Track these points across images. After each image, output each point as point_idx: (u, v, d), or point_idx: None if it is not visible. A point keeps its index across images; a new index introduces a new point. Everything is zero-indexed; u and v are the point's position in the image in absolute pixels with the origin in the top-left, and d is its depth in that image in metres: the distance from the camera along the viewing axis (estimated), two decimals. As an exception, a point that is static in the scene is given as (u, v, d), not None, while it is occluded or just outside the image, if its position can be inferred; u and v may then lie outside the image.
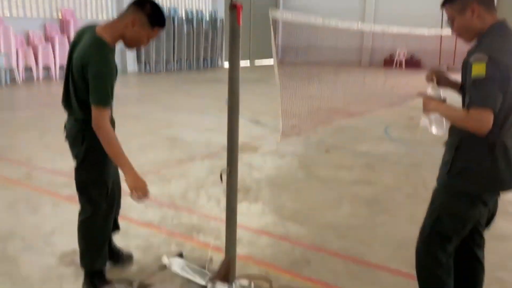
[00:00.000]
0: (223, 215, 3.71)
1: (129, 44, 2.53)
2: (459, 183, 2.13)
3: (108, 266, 2.88)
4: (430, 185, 4.63)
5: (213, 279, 2.58)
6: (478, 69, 1.93)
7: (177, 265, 2.66)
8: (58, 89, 12.79)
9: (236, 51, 2.39)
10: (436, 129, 2.28)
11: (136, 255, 3.19)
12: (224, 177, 2.51)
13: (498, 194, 2.24)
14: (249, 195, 4.48)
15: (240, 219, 3.18)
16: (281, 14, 8.18)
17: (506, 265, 3.19)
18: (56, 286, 2.77)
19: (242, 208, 4.07)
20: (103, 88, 2.37)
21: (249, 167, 5.39)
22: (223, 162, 5.61)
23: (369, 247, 3.43)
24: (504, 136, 2.06)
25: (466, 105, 2.01)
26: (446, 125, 2.25)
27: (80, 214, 2.73)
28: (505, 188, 2.13)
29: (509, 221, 3.97)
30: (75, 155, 2.60)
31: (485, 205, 2.17)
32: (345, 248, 3.40)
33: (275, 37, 7.10)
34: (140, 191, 2.45)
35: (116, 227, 3.08)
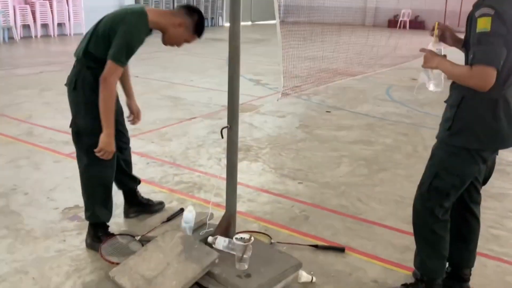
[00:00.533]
0: (223, 173, 3.73)
1: (167, 40, 2.69)
2: (460, 140, 2.11)
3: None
4: (430, 144, 4.66)
5: (213, 234, 2.62)
6: (484, 24, 1.88)
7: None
8: (56, 46, 12.69)
9: (237, 10, 2.34)
10: (434, 86, 2.26)
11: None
12: (225, 134, 2.51)
13: (497, 151, 2.24)
14: (249, 154, 4.50)
15: (241, 177, 3.21)
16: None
17: (502, 223, 3.25)
18: (59, 239, 2.82)
19: (243, 166, 4.10)
20: (125, 48, 2.45)
21: (250, 126, 5.39)
22: (223, 121, 5.60)
23: (367, 205, 3.47)
24: (506, 93, 2.04)
25: (470, 61, 1.97)
26: (444, 82, 2.23)
27: (79, 165, 2.76)
28: (506, 145, 2.13)
29: (506, 180, 4.00)
30: (72, 101, 2.65)
31: (484, 162, 2.17)
32: (343, 205, 3.45)
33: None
34: (106, 154, 2.54)
35: (134, 180, 3.18)
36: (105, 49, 2.48)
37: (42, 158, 4.17)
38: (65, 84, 2.69)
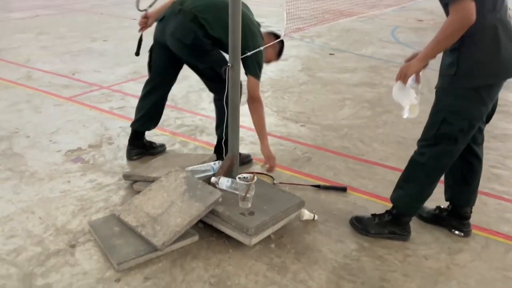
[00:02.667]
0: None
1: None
2: (468, 81, 2.03)
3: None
4: (434, 86, 4.58)
5: (217, 175, 2.64)
6: None
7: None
8: (51, -11, 12.08)
9: None
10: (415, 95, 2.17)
11: (141, 152, 3.25)
12: (227, 74, 2.46)
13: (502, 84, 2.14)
14: (251, 96, 4.45)
15: (243, 120, 3.18)
16: None
17: (503, 163, 3.26)
18: (63, 181, 2.85)
19: (245, 110, 4.06)
20: (259, 66, 2.72)
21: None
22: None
23: (369, 146, 3.47)
24: (501, 16, 1.96)
25: (445, 4, 1.90)
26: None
27: (220, 98, 2.84)
28: (509, 75, 2.05)
29: (510, 122, 3.98)
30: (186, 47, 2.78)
31: (492, 100, 2.12)
32: (345, 147, 3.45)
33: None
34: (272, 163, 2.81)
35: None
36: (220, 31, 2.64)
37: (43, 102, 4.14)
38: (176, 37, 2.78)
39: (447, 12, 1.96)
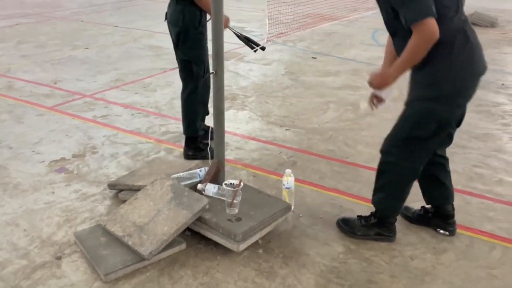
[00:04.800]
0: (210, 123, 3.73)
1: None
2: (449, 85, 2.03)
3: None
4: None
5: (203, 182, 2.64)
6: None
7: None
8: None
9: None
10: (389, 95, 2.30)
11: (126, 161, 3.23)
12: (211, 81, 2.47)
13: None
14: (235, 102, 4.46)
15: (228, 125, 3.20)
16: None
17: (485, 162, 3.31)
18: (47, 192, 2.82)
19: (229, 115, 4.08)
20: None
21: (235, 75, 5.31)
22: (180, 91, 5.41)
23: (354, 148, 3.51)
24: (465, 18, 2.01)
25: (405, 26, 1.92)
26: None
27: (183, 91, 3.23)
28: (483, 71, 2.08)
29: (491, 121, 4.06)
30: (177, 35, 3.03)
31: (465, 104, 2.14)
32: (330, 150, 3.47)
33: None
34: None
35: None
36: None
37: (24, 112, 4.08)
38: (168, 21, 3.10)
39: (409, 30, 1.95)
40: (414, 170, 2.27)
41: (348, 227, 2.47)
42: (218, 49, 2.45)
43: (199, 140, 3.32)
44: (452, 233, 2.49)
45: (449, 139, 2.34)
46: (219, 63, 2.45)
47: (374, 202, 2.43)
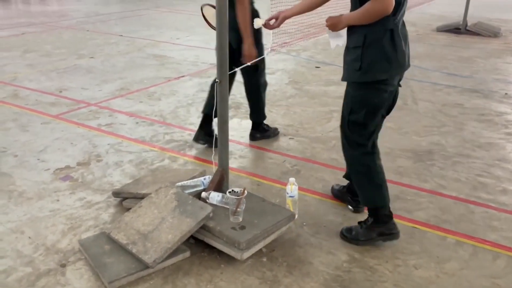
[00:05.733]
0: (214, 131, 3.72)
1: None
2: (369, 75, 2.25)
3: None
4: (419, 97, 4.67)
5: (207, 190, 2.65)
6: None
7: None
8: (36, 7, 12.24)
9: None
10: (341, 41, 2.43)
11: (130, 170, 3.24)
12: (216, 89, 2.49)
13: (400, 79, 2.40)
14: (239, 111, 4.48)
15: (232, 134, 3.22)
16: None
17: (489, 171, 3.31)
18: (52, 200, 2.83)
19: (233, 124, 4.10)
20: None
21: (240, 84, 5.33)
22: (212, 79, 5.54)
23: (358, 157, 3.51)
24: (397, 22, 2.21)
25: None
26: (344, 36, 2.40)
27: (250, 84, 3.70)
28: (404, 68, 2.32)
29: (494, 130, 4.06)
30: (238, 39, 3.24)
31: (391, 91, 2.34)
32: (334, 159, 3.48)
33: None
34: (250, 58, 3.20)
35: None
36: None
37: (30, 120, 4.11)
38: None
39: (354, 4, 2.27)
40: (367, 154, 2.44)
41: (351, 235, 2.48)
42: (222, 59, 2.47)
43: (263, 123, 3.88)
44: (357, 210, 2.73)
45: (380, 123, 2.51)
46: (223, 73, 2.48)
47: (361, 201, 2.58)
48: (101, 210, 2.72)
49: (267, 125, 3.90)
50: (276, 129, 3.96)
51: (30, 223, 2.58)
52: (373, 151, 2.45)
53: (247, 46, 3.23)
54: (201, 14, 3.32)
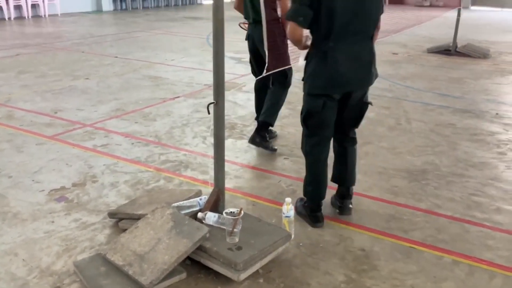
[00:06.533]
0: (209, 151, 3.74)
1: None
2: (307, 85, 2.66)
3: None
4: (412, 117, 4.74)
5: (203, 210, 2.65)
6: None
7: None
8: (31, 28, 12.32)
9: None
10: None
11: (126, 190, 3.24)
12: (211, 109, 2.51)
13: (348, 95, 2.68)
14: (234, 131, 4.51)
15: (227, 154, 3.20)
16: None
17: (483, 190, 3.34)
18: (47, 221, 2.81)
19: (228, 144, 4.11)
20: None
21: (234, 104, 5.38)
22: (207, 100, 5.56)
23: (353, 177, 3.52)
24: (335, 46, 2.51)
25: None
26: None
27: (275, 87, 3.99)
28: (340, 89, 2.63)
29: (487, 150, 4.10)
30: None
31: (330, 104, 2.63)
32: (329, 178, 3.48)
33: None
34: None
35: None
36: None
37: (25, 141, 4.10)
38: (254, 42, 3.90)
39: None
40: (306, 151, 2.84)
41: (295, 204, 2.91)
42: (219, 80, 2.50)
43: (269, 131, 4.10)
44: (341, 211, 2.95)
45: (341, 128, 2.85)
46: (220, 94, 2.50)
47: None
48: (96, 231, 2.71)
49: (269, 135, 4.10)
50: (275, 148, 4.01)
51: (24, 245, 2.55)
52: (311, 152, 2.79)
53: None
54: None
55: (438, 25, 11.51)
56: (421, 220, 2.94)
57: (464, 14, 9.68)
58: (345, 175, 2.95)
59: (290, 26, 2.51)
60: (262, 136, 3.96)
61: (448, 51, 8.60)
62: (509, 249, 2.64)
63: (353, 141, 2.95)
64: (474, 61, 8.16)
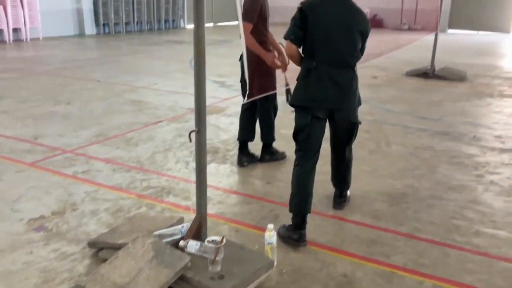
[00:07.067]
0: (191, 177, 3.73)
1: None
2: (293, 99, 3.01)
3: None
4: (393, 140, 4.80)
5: (185, 238, 2.63)
6: (295, 13, 2.90)
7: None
8: (12, 52, 12.21)
9: (201, 13, 2.36)
10: None
11: (107, 218, 3.20)
12: (193, 137, 2.52)
13: (332, 114, 3.00)
14: (217, 156, 4.51)
15: (209, 179, 3.21)
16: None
17: (462, 213, 3.40)
18: (26, 251, 2.76)
19: (211, 168, 4.11)
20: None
21: (216, 128, 5.40)
22: (190, 124, 5.60)
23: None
24: (319, 65, 2.87)
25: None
26: None
27: (263, 110, 4.20)
28: (318, 103, 2.91)
29: (465, 173, 4.18)
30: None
31: (315, 117, 2.91)
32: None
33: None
34: (274, 64, 3.88)
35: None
36: None
37: (4, 169, 4.04)
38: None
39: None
40: (295, 162, 3.04)
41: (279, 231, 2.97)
42: (201, 107, 2.52)
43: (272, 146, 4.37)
44: (336, 206, 3.38)
45: (334, 143, 3.25)
46: (202, 121, 2.52)
47: None
48: (76, 261, 2.66)
49: (275, 149, 4.36)
50: (283, 153, 4.36)
51: (2, 277, 2.50)
52: (298, 163, 3.01)
53: (269, 60, 3.83)
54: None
55: (416, 48, 11.79)
56: (402, 244, 2.96)
57: (441, 37, 9.95)
58: (337, 180, 3.41)
59: (286, 43, 2.94)
60: (270, 152, 4.33)
61: (427, 74, 8.79)
62: (488, 272, 2.67)
63: (348, 152, 3.30)
64: (452, 83, 8.36)
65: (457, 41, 15.52)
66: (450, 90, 7.81)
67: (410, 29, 18.20)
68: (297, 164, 3.01)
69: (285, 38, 2.92)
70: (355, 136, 3.21)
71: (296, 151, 3.04)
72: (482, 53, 12.84)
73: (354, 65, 2.98)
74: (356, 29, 2.88)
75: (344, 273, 2.63)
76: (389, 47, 12.74)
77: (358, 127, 3.15)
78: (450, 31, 19.10)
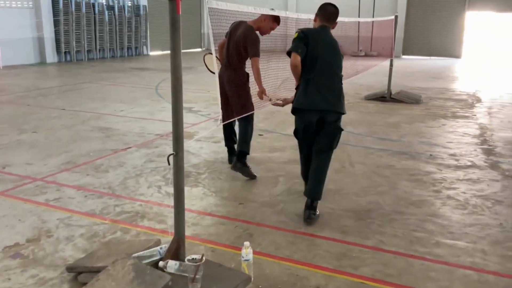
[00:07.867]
0: (165, 200, 3.85)
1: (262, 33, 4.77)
2: (294, 103, 3.78)
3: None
4: (356, 160, 5.05)
5: (164, 258, 2.71)
6: (295, 35, 3.66)
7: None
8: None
9: (177, 40, 2.52)
10: None
11: (82, 243, 3.23)
12: (171, 160, 2.64)
13: (322, 118, 3.66)
14: (189, 179, 4.61)
15: (185, 202, 3.32)
16: (216, 3, 8.20)
17: (422, 226, 3.63)
18: (3, 279, 2.76)
19: (186, 193, 4.19)
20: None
21: (187, 153, 5.49)
22: (160, 150, 5.71)
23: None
24: (315, 77, 3.63)
25: (287, 52, 3.73)
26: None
27: (245, 124, 4.69)
28: (314, 106, 3.64)
29: (424, 188, 4.46)
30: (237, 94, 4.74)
31: (307, 121, 3.71)
32: (283, 221, 3.67)
33: (212, 26, 7.19)
34: (262, 97, 4.64)
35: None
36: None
37: (-28, 198, 3.99)
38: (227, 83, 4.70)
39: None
40: (299, 153, 4.01)
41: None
42: (178, 131, 2.65)
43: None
44: (305, 221, 3.63)
45: (316, 146, 3.81)
46: (179, 145, 2.65)
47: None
48: (55, 286, 2.69)
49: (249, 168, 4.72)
50: (255, 175, 4.65)
51: (-21, 305, 2.49)
52: (300, 151, 3.95)
53: (262, 91, 4.69)
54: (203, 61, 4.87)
55: (374, 73, 12.36)
56: (369, 256, 3.15)
57: (396, 62, 10.51)
58: (310, 188, 3.76)
59: (292, 55, 3.59)
60: (243, 163, 4.60)
61: (384, 97, 9.25)
62: (449, 279, 2.89)
63: (327, 155, 3.79)
64: (408, 106, 8.83)
65: (411, 66, 16.34)
66: (407, 113, 8.25)
67: (366, 55, 18.99)
68: (300, 152, 3.98)
69: (292, 51, 3.59)
70: (337, 142, 3.80)
71: (298, 144, 3.95)
72: (435, 77, 13.60)
73: (342, 77, 3.78)
74: (338, 52, 3.79)
75: (317, 286, 2.77)
76: (348, 72, 13.28)
77: (340, 133, 3.79)
78: (404, 56, 20.08)
